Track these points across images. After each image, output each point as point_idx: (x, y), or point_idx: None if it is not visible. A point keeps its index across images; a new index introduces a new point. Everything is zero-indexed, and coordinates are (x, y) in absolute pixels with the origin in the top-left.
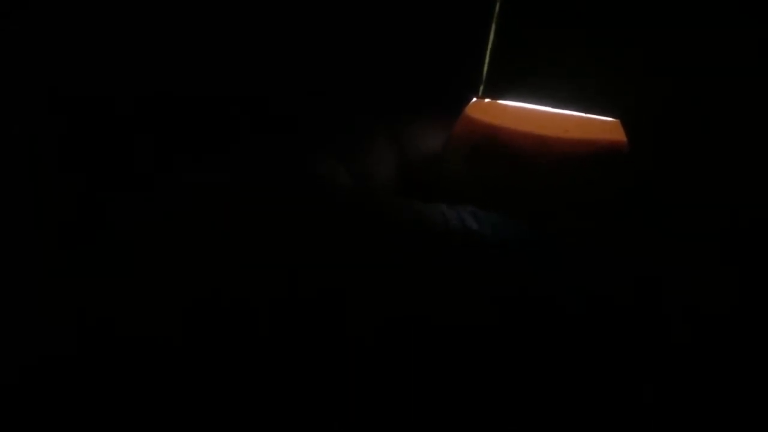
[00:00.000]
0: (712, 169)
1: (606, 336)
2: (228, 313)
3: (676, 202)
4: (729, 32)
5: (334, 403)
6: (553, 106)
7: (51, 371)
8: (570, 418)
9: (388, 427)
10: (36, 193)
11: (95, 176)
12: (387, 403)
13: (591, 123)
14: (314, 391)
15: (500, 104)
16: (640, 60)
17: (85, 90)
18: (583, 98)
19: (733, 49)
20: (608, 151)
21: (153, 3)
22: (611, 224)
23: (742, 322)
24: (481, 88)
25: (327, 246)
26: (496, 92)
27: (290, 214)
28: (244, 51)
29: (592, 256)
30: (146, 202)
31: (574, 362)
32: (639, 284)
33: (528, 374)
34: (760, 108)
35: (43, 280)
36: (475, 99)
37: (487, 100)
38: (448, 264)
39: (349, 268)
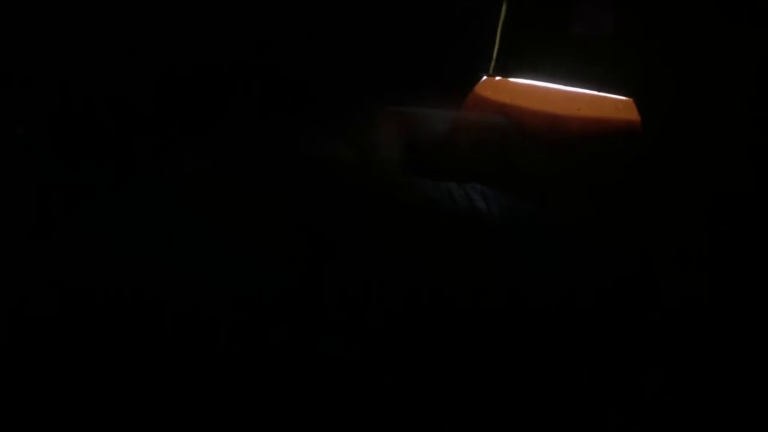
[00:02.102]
0: (723, 153)
1: (576, 333)
2: (225, 301)
3: (683, 186)
4: (746, 18)
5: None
6: (565, 84)
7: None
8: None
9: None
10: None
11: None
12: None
13: (604, 101)
14: (323, 381)
15: (511, 82)
16: (655, 36)
17: (88, 84)
18: (596, 76)
19: (749, 36)
20: (621, 130)
21: None
22: (617, 208)
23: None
24: (492, 66)
25: (326, 226)
26: (506, 70)
27: (294, 194)
28: (254, 31)
29: (585, 251)
30: (144, 182)
31: (538, 356)
32: (619, 285)
33: (495, 363)
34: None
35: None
36: (485, 77)
37: (497, 78)
38: (451, 243)
39: (350, 247)
